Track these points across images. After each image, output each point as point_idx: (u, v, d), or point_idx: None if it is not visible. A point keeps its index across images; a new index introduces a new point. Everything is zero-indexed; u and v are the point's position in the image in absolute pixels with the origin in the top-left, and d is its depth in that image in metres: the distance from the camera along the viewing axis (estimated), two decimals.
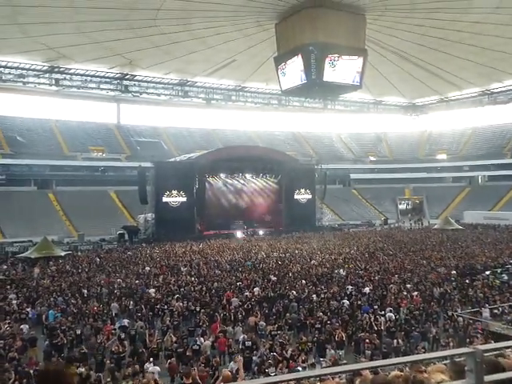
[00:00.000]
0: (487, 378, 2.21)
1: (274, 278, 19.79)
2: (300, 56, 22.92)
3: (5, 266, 25.88)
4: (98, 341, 12.43)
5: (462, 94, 45.87)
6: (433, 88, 42.21)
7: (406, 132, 69.00)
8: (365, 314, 14.38)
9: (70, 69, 36.72)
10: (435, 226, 42.09)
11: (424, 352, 10.50)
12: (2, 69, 35.26)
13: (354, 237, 36.48)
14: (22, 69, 35.63)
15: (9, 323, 14.09)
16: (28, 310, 15.96)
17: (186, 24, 24.77)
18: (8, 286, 19.55)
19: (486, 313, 14.64)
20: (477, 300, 16.41)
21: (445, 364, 3.14)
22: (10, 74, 35.86)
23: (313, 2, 22.37)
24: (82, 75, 38.25)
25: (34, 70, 36.02)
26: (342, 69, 23.28)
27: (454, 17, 23.96)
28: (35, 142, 49.67)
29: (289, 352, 11.04)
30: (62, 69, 36.40)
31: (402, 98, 49.38)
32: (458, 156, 62.44)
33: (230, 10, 22.99)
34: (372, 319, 13.81)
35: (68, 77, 38.00)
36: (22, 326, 13.88)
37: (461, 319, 13.88)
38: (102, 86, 40.55)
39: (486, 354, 2.35)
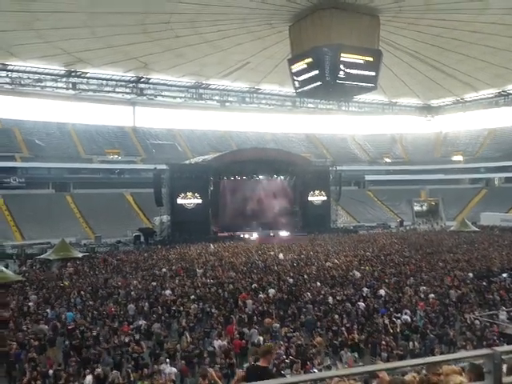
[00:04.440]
0: (506, 379, 2.21)
1: (289, 280, 19.74)
2: (314, 57, 22.92)
3: (24, 268, 26.35)
4: (116, 341, 12.57)
5: (477, 95, 45.43)
6: (448, 89, 41.85)
7: (422, 133, 68.30)
8: (381, 317, 14.28)
9: (87, 73, 37.26)
10: (451, 228, 41.59)
11: (441, 354, 10.38)
12: (21, 74, 35.97)
13: (369, 239, 36.18)
14: (41, 73, 36.30)
15: (28, 323, 14.32)
16: (47, 310, 16.18)
17: (198, 27, 24.94)
18: (27, 288, 19.83)
19: (502, 315, 14.41)
20: (494, 303, 16.16)
21: (462, 367, 3.13)
22: (28, 78, 36.56)
23: (326, 4, 22.37)
24: (98, 79, 38.79)
25: (51, 74, 36.66)
26: (356, 70, 23.22)
27: (470, 17, 23.71)
28: (53, 145, 50.25)
29: (304, 354, 11.03)
30: (78, 73, 36.96)
31: (417, 99, 49.05)
32: (474, 157, 61.51)
33: (243, 12, 23.09)
34: (388, 322, 13.72)
35: (84, 81, 38.56)
36: (41, 327, 14.08)
37: (477, 322, 13.71)
38: (117, 90, 41.07)
39: (503, 357, 2.35)
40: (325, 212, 45.00)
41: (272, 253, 28.62)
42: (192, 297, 17.31)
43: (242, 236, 39.81)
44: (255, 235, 40.13)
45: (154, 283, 20.01)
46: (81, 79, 38.26)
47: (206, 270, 23.17)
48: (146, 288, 19.25)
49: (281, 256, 26.67)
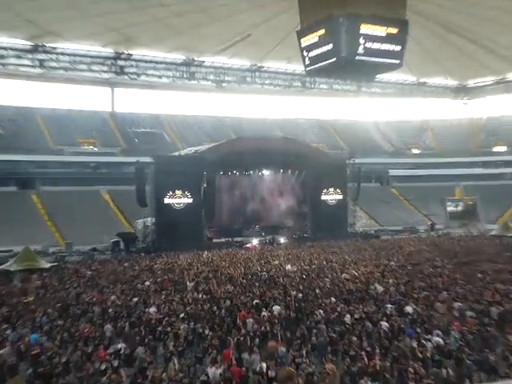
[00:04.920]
0: None
1: (297, 295, 19.65)
2: (328, 29, 22.74)
3: None
4: (90, 369, 12.47)
5: None
6: (488, 67, 41.64)
7: (456, 120, 68.23)
8: (407, 339, 14.19)
9: (57, 48, 37.08)
10: (492, 233, 41.44)
11: None
12: None
13: (393, 245, 36.12)
14: (1, 48, 36.05)
15: None
16: (8, 332, 16.07)
17: None
18: None
19: None
20: None
21: None
22: None
23: None
24: (70, 55, 38.63)
25: (14, 49, 36.40)
26: (378, 44, 23.04)
27: None
28: (16, 133, 50.24)
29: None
30: (47, 48, 36.76)
31: (451, 78, 48.92)
32: None
33: None
34: (416, 345, 13.62)
35: (54, 57, 38.38)
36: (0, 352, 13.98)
37: None
38: (93, 68, 40.91)
39: None
40: (340, 214, 44.94)
41: (277, 262, 28.63)
42: (181, 315, 17.21)
43: (241, 242, 39.97)
44: (257, 241, 40.32)
45: (136, 299, 19.87)
46: (50, 55, 38.06)
47: (198, 283, 23.03)
48: (127, 305, 19.12)
49: (288, 267, 26.62)
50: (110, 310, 18.38)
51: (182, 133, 58.27)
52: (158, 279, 24.29)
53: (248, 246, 39.05)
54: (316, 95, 59.06)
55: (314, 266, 26.66)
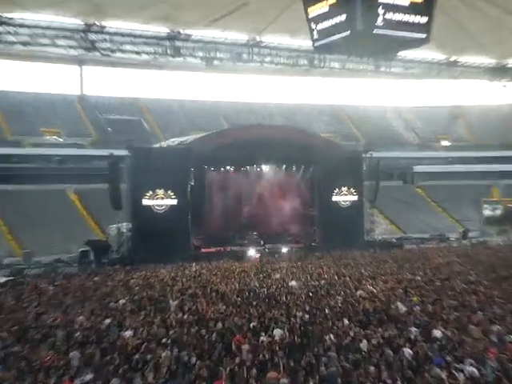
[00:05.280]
0: None
1: (304, 316, 19.60)
2: None
3: None
4: None
5: None
6: None
7: (494, 106, 68.31)
8: (435, 369, 14.16)
9: (14, 18, 36.95)
10: None
11: None
12: None
13: (419, 257, 36.17)
14: None
15: None
16: None
17: None
18: None
19: None
20: None
21: None
22: None
23: None
24: (30, 27, 38.40)
25: None
26: (400, 15, 23.02)
27: None
28: None
29: None
30: (2, 18, 36.61)
31: (488, 56, 48.90)
32: None
33: None
34: (446, 376, 13.60)
35: (11, 29, 38.16)
36: None
37: None
38: (58, 42, 40.70)
39: None
40: (355, 218, 45.07)
41: (278, 276, 28.65)
42: (163, 340, 17.16)
43: (237, 252, 39.97)
44: (254, 252, 40.24)
45: (109, 320, 19.69)
46: (6, 27, 37.90)
47: (183, 301, 22.84)
48: (97, 327, 18.98)
49: (292, 283, 26.55)
50: (77, 334, 18.20)
51: (164, 120, 58.45)
52: (136, 297, 24.06)
53: (252, 256, 39.17)
54: (326, 76, 59.15)
55: (323, 282, 26.54)
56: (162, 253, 35.83)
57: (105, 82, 62.80)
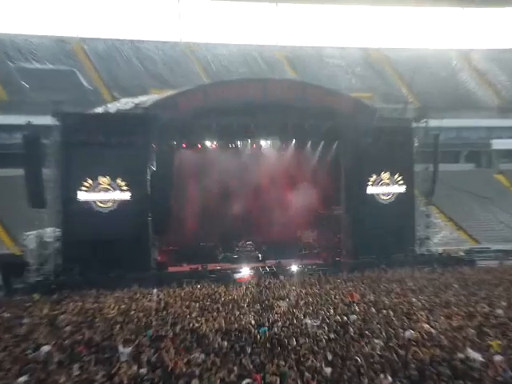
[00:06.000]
0: None
1: (323, 370, 18.89)
2: None
3: None
4: None
5: None
6: None
7: None
8: None
9: None
10: None
11: None
12: None
13: (501, 279, 35.77)
14: None
15: None
16: None
17: None
18: None
19: None
20: None
21: None
22: None
23: None
24: None
25: None
26: None
27: None
28: None
29: None
30: None
31: None
32: None
33: None
34: None
35: None
36: None
37: None
38: None
39: None
40: (403, 220, 44.58)
41: (284, 307, 28.32)
42: None
43: (221, 271, 39.72)
44: (248, 271, 39.85)
45: (25, 378, 19.16)
46: None
47: (139, 347, 22.44)
48: None
49: (307, 321, 26.04)
50: None
51: (112, 72, 58.69)
52: (67, 341, 23.40)
53: (241, 276, 38.74)
54: (356, 2, 58.94)
55: (353, 317, 26.06)
56: (108, 273, 35.77)
57: (18, 13, 61.97)
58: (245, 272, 39.55)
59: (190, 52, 62.51)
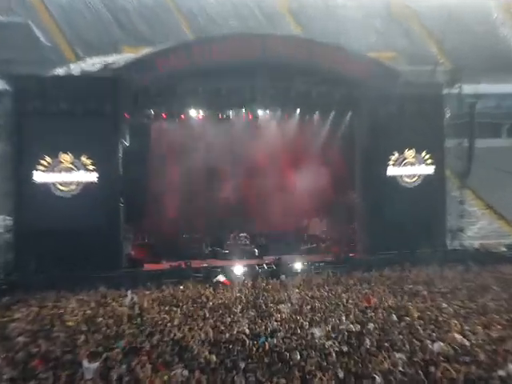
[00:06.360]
0: None
1: None
2: None
3: None
4: None
5: None
6: None
7: None
8: None
9: None
10: None
11: None
12: None
13: None
14: None
15: None
16: None
17: None
18: None
19: None
20: None
21: None
22: None
23: None
24: None
25: None
26: None
27: None
28: None
29: None
30: None
31: None
32: None
33: None
34: None
35: None
36: None
37: None
38: None
39: None
40: (431, 208, 44.59)
41: (286, 311, 28.40)
42: None
43: (208, 269, 39.49)
44: (241, 269, 39.62)
45: None
46: None
47: (109, 362, 22.22)
48: None
49: (314, 331, 25.99)
50: None
51: (75, 25, 58.68)
52: (19, 354, 23.29)
53: (221, 279, 38.40)
54: None
55: (370, 326, 25.87)
56: (71, 271, 35.58)
57: None
58: (237, 272, 39.13)
59: (171, 1, 62.26)
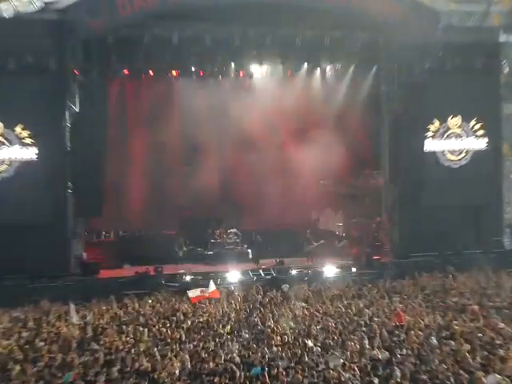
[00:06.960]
0: None
1: None
2: None
3: None
4: None
5: None
6: None
7: None
8: None
9: None
10: None
11: None
12: None
13: None
14: None
15: None
16: None
17: None
18: None
19: None
20: None
21: None
22: None
23: None
24: None
25: None
26: None
27: None
28: None
29: None
30: None
31: None
32: None
33: None
34: None
35: None
36: None
37: None
38: None
39: None
40: (482, 194, 44.72)
41: (289, 332, 28.55)
42: None
43: (182, 277, 39.72)
44: (236, 274, 39.89)
45: None
46: None
47: None
48: None
49: (329, 360, 26.10)
50: None
51: None
52: None
53: (193, 294, 38.35)
54: None
55: (402, 352, 26.14)
56: (1, 279, 35.90)
57: None
58: (233, 278, 39.24)
59: None
